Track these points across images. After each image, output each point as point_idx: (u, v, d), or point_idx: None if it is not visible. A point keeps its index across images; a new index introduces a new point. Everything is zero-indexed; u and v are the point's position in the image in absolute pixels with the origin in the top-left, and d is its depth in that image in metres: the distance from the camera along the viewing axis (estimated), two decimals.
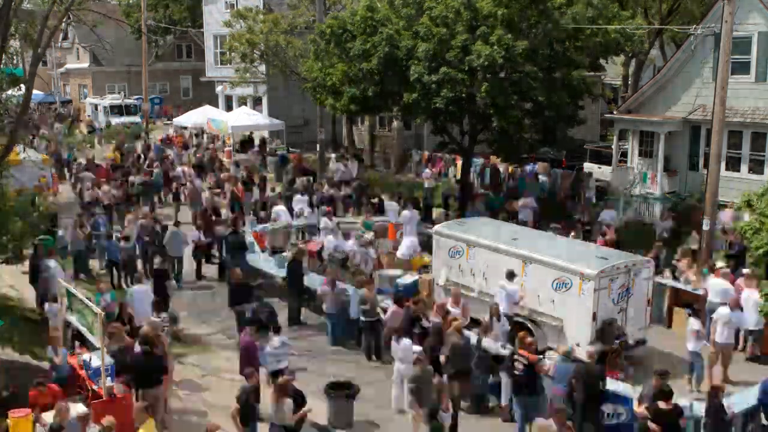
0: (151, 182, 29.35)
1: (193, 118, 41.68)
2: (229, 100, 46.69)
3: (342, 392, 13.49)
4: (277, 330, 14.36)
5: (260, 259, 21.02)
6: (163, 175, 30.25)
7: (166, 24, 51.89)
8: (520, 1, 22.50)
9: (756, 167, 24.32)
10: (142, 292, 16.52)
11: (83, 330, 13.72)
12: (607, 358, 14.91)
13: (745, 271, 17.34)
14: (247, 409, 11.64)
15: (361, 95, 24.90)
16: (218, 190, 28.55)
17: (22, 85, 18.15)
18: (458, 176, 29.27)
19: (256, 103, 43.86)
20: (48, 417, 11.38)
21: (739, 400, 12.46)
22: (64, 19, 20.14)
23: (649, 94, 27.80)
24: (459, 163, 29.36)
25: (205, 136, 42.32)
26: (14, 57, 20.41)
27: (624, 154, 28.60)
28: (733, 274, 17.50)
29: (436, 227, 19.47)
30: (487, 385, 14.36)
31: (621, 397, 12.74)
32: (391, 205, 25.27)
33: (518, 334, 14.53)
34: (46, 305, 15.76)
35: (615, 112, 29.74)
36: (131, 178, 29.02)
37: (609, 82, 41.14)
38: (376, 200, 26.92)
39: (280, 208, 24.30)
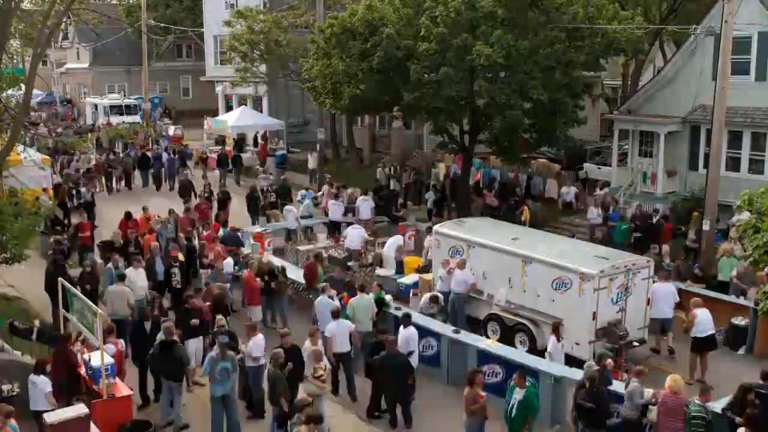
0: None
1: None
2: (229, 100, 46.70)
3: None
4: None
5: None
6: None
7: (166, 24, 51.84)
8: (520, 0, 22.52)
9: (756, 167, 24.30)
10: None
11: (83, 330, 13.69)
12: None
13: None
14: None
15: (361, 95, 24.93)
16: None
17: (22, 85, 18.14)
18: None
19: (256, 103, 43.88)
20: (48, 417, 11.41)
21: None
22: (64, 19, 20.13)
23: (649, 94, 27.76)
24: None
25: (205, 136, 42.38)
26: (14, 57, 20.42)
27: (624, 155, 28.58)
28: None
29: (436, 227, 19.48)
30: None
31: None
32: None
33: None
34: None
35: (615, 112, 29.72)
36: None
37: (609, 82, 41.07)
38: None
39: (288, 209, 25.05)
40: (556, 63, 22.92)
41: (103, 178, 32.94)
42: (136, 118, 49.11)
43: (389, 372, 13.36)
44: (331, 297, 16.09)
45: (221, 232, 21.82)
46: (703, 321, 15.47)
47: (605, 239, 22.65)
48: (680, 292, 18.29)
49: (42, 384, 12.26)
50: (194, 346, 14.91)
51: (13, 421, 10.81)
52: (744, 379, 12.57)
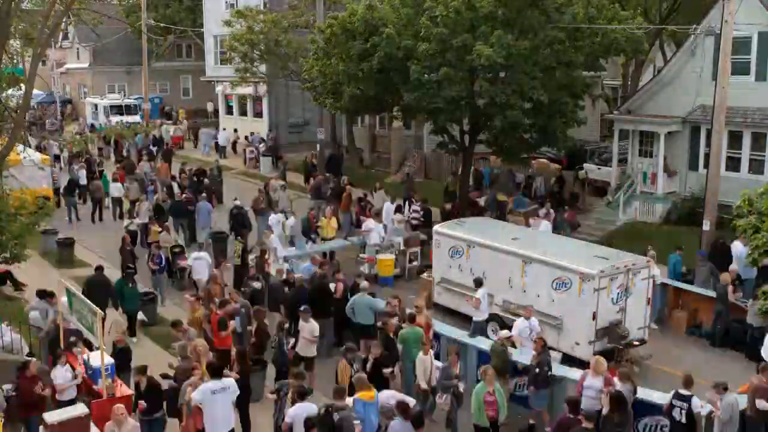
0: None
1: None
2: (228, 99, 46.71)
3: None
4: None
5: None
6: None
7: (166, 24, 51.85)
8: (520, 1, 22.52)
9: (756, 167, 24.30)
10: None
11: (83, 330, 13.68)
12: (613, 358, 15.01)
13: None
14: None
15: (361, 95, 24.92)
16: None
17: (22, 85, 18.15)
18: None
19: (256, 102, 43.88)
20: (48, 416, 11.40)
21: (740, 400, 12.45)
22: (64, 19, 20.12)
23: (649, 94, 27.77)
24: None
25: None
26: (14, 57, 20.43)
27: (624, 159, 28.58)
28: None
29: (436, 227, 19.48)
30: None
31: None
32: None
33: None
34: None
35: (615, 112, 29.73)
36: None
37: (609, 82, 41.09)
38: None
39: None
40: (556, 63, 22.93)
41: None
42: (136, 118, 49.16)
43: None
44: None
45: None
46: None
47: None
48: (678, 290, 18.36)
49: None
50: None
51: None
52: (743, 379, 12.58)
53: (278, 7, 38.83)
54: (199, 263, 19.49)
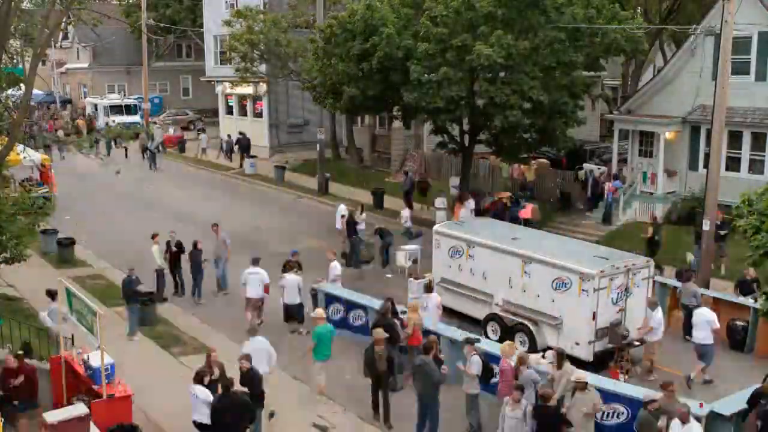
0: None
1: None
2: (228, 99, 46.68)
3: None
4: None
5: None
6: None
7: (166, 24, 51.84)
8: (520, 1, 22.52)
9: (756, 167, 24.30)
10: None
11: (83, 330, 13.67)
12: (614, 358, 15.03)
13: None
14: None
15: (361, 95, 24.93)
16: None
17: (22, 85, 18.14)
18: None
19: (256, 102, 43.87)
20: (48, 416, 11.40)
21: (734, 401, 12.45)
22: (64, 19, 20.12)
23: (649, 94, 27.77)
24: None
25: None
26: (14, 57, 20.43)
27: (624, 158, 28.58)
28: None
29: (436, 227, 19.47)
30: None
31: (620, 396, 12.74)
32: None
33: None
34: None
35: (615, 112, 29.73)
36: None
37: (609, 82, 41.12)
38: None
39: None
40: (556, 63, 22.93)
41: None
42: (136, 118, 49.16)
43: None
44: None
45: None
46: None
47: None
48: (675, 290, 18.34)
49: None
50: None
51: None
52: (743, 379, 12.57)
53: (278, 7, 38.81)
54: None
